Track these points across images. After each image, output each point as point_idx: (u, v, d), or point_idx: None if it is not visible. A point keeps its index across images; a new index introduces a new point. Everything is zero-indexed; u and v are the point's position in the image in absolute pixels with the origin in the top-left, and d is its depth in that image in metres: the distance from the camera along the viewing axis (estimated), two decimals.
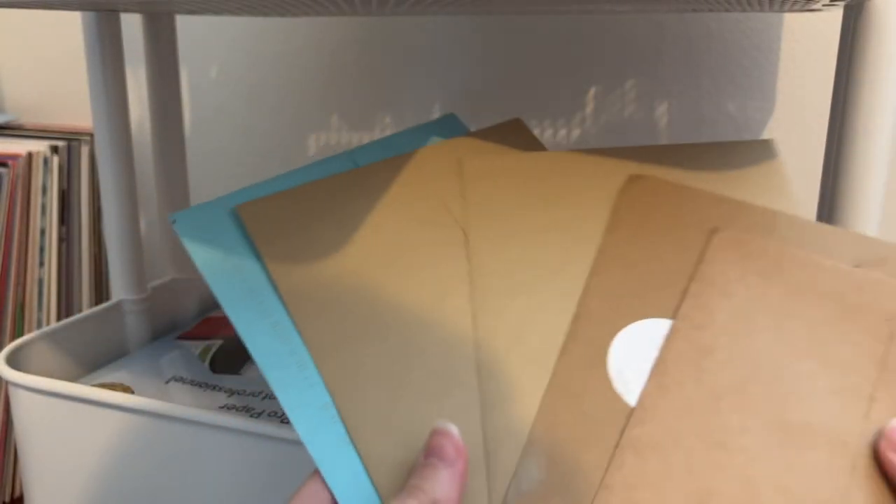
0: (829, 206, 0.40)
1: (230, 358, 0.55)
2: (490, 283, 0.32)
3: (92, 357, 0.56)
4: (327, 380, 0.30)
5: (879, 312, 0.29)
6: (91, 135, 0.75)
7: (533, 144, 0.42)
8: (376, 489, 0.28)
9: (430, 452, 0.27)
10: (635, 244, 0.33)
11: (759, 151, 0.37)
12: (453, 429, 0.28)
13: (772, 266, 0.31)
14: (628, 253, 0.32)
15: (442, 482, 0.26)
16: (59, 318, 0.72)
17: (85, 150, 0.75)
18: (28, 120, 0.87)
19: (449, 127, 0.42)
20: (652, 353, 0.30)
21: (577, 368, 0.30)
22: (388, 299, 0.32)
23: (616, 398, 0.29)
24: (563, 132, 0.71)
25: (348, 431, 0.29)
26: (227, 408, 0.48)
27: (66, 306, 0.74)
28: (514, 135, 0.42)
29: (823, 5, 0.41)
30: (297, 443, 0.38)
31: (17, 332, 0.68)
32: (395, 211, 0.35)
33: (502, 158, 0.37)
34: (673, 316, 0.30)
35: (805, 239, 0.32)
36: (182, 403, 0.42)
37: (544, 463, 0.27)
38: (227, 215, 0.35)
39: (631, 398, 0.29)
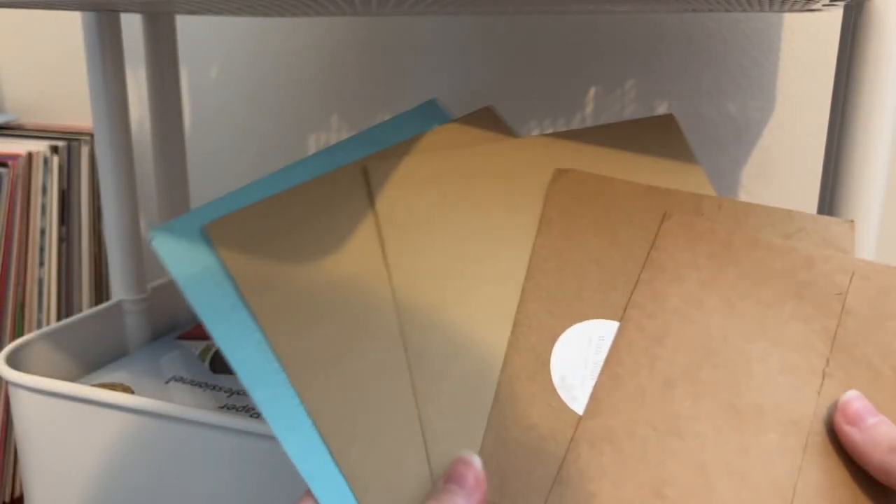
0: (829, 205, 0.40)
1: None
2: (415, 299, 0.31)
3: (92, 357, 0.56)
4: (305, 400, 0.29)
5: (829, 287, 0.29)
6: (91, 135, 0.75)
7: (504, 133, 0.40)
8: None
9: (450, 478, 0.27)
10: (567, 243, 0.32)
11: (662, 127, 0.37)
12: (477, 460, 0.28)
13: (722, 248, 0.31)
14: (560, 253, 0.32)
15: None
16: (59, 318, 0.72)
17: (85, 150, 0.75)
18: (28, 120, 0.87)
19: (430, 114, 0.41)
20: (593, 356, 0.30)
21: (521, 379, 0.29)
22: (366, 312, 0.31)
23: (561, 406, 0.29)
24: None
25: (332, 454, 0.28)
26: (227, 408, 0.48)
27: (66, 306, 0.74)
28: (486, 124, 0.40)
29: (823, 5, 0.41)
30: None
31: (17, 332, 0.68)
32: (364, 219, 0.34)
33: (410, 160, 0.36)
34: (611, 315, 0.30)
35: (733, 219, 0.32)
36: (182, 403, 0.42)
37: (497, 483, 0.27)
38: (202, 231, 0.34)
39: (576, 405, 0.29)
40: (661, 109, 0.67)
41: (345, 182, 0.35)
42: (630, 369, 0.28)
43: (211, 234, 0.33)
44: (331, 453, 0.28)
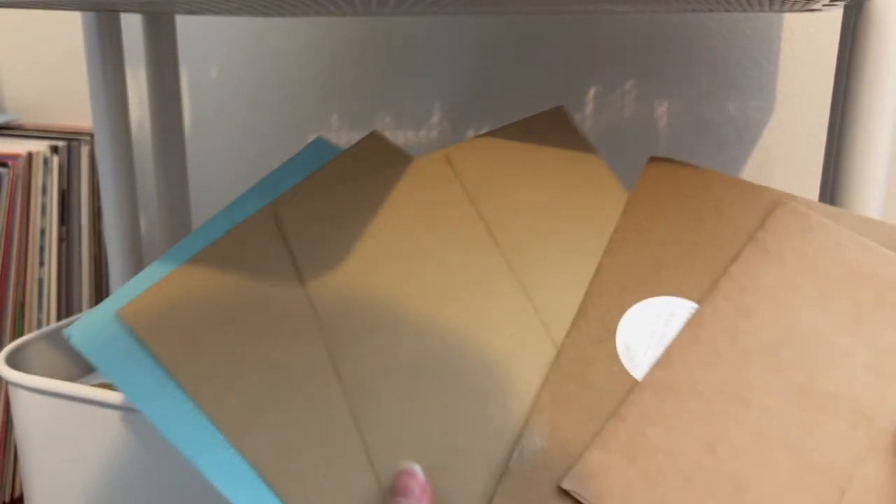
0: (830, 205, 0.40)
1: None
2: (342, 328, 0.32)
3: None
4: (246, 454, 0.30)
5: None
6: (91, 135, 0.75)
7: (393, 154, 0.40)
8: None
9: (396, 491, 0.28)
10: (650, 224, 0.33)
11: (553, 121, 0.38)
12: (417, 468, 0.28)
13: (831, 245, 0.31)
14: (643, 233, 0.33)
15: None
16: (59, 318, 0.72)
17: (85, 150, 0.75)
18: (28, 120, 0.87)
19: (318, 152, 0.41)
20: (661, 329, 0.30)
21: (585, 344, 0.30)
22: (293, 352, 0.32)
23: (622, 371, 0.29)
24: None
25: (282, 499, 0.29)
26: None
27: (66, 306, 0.74)
28: (375, 150, 0.40)
29: (823, 5, 0.41)
30: None
31: (17, 332, 0.68)
32: (280, 262, 0.35)
33: (316, 197, 0.36)
34: (686, 294, 0.31)
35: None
36: None
37: (546, 431, 0.28)
38: (117, 317, 0.35)
39: (637, 372, 0.29)
40: (661, 109, 0.67)
41: (255, 232, 0.36)
42: (710, 334, 0.29)
43: (125, 319, 0.34)
44: (281, 498, 0.29)
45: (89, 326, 0.35)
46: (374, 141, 0.40)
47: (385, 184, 0.36)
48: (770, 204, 0.33)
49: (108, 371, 0.33)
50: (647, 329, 0.31)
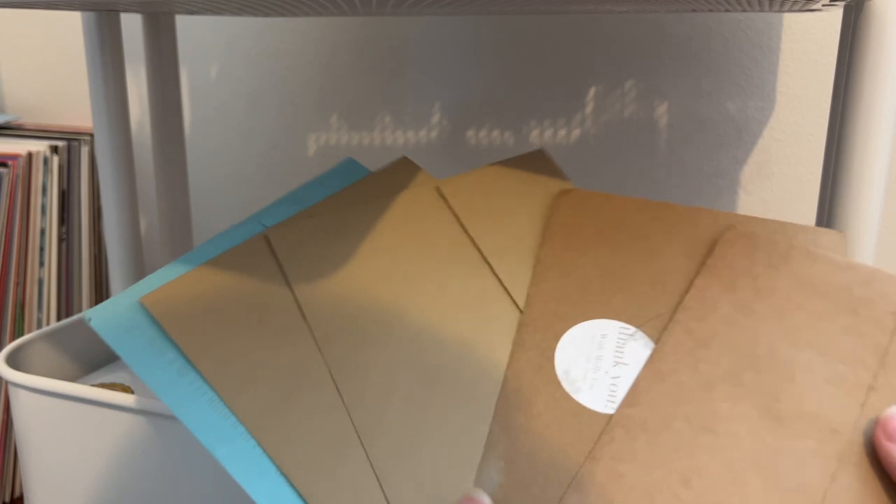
0: (830, 206, 0.40)
1: None
2: (339, 349, 0.32)
3: (92, 357, 0.56)
4: (266, 447, 0.30)
5: (885, 306, 0.30)
6: (91, 135, 0.75)
7: (420, 180, 0.42)
8: None
9: None
10: (570, 254, 0.34)
11: (536, 160, 0.40)
12: (482, 496, 0.28)
13: (780, 260, 0.31)
14: (564, 262, 0.34)
15: None
16: (59, 318, 0.72)
17: (85, 150, 0.75)
18: (28, 120, 0.87)
19: (348, 172, 0.43)
20: (596, 351, 0.31)
21: (527, 373, 0.31)
22: (299, 363, 0.32)
23: (565, 396, 0.30)
24: (563, 132, 0.71)
25: (301, 494, 0.29)
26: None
27: (66, 306, 0.74)
28: (403, 174, 0.42)
29: (823, 5, 0.41)
30: None
31: (17, 332, 0.68)
32: (277, 283, 0.36)
33: (313, 222, 0.38)
34: (614, 316, 0.32)
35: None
36: None
37: (502, 466, 0.28)
38: (139, 305, 0.36)
39: (579, 396, 0.30)
40: (662, 109, 0.67)
41: (252, 252, 0.37)
42: (672, 367, 0.30)
43: (148, 306, 0.34)
44: (299, 493, 0.29)
45: (110, 312, 0.35)
46: (403, 165, 0.41)
47: (380, 210, 0.37)
48: (692, 222, 0.34)
49: (128, 357, 0.33)
50: (583, 353, 0.32)
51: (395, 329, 0.33)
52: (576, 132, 0.70)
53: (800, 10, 0.49)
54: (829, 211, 0.40)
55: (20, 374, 0.45)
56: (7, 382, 0.46)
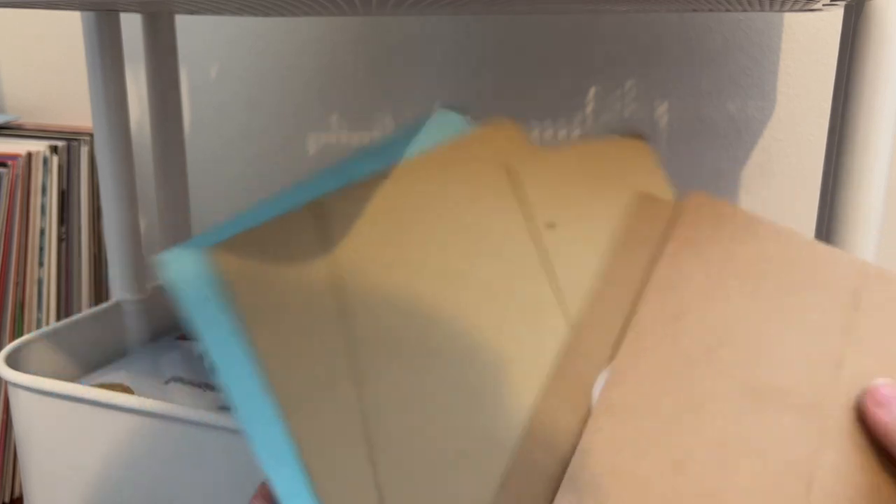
0: (830, 206, 0.40)
1: None
2: (374, 345, 0.30)
3: (91, 357, 0.56)
4: (294, 434, 0.28)
5: (845, 284, 0.30)
6: (91, 135, 0.75)
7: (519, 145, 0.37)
8: None
9: None
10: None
11: (634, 150, 0.35)
12: None
13: (743, 231, 0.31)
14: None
15: None
16: (58, 318, 0.72)
17: (85, 150, 0.74)
18: (28, 120, 0.87)
19: (442, 126, 0.39)
20: None
21: (560, 411, 0.28)
22: (346, 353, 0.30)
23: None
24: (563, 132, 0.71)
25: (315, 494, 0.27)
26: (226, 408, 0.48)
27: (66, 306, 0.74)
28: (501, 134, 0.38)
29: (824, 5, 0.41)
30: None
31: (17, 332, 0.68)
32: (320, 258, 0.32)
33: (370, 194, 0.34)
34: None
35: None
36: (181, 404, 0.42)
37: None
38: (203, 255, 0.34)
39: None
40: (662, 109, 0.67)
41: (302, 222, 0.35)
42: (651, 343, 0.28)
43: (214, 262, 0.32)
44: (311, 487, 0.28)
45: (181, 259, 0.33)
46: (501, 127, 0.37)
47: (444, 186, 0.34)
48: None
49: (192, 310, 0.31)
50: None
51: (433, 335, 0.30)
52: (576, 132, 0.70)
53: (800, 10, 0.49)
54: (829, 211, 0.40)
55: (20, 375, 0.45)
56: (7, 382, 0.46)
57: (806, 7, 0.43)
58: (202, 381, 0.52)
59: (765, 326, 0.29)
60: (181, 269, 0.32)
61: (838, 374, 0.28)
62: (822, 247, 0.31)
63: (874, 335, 0.29)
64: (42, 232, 0.70)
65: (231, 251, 0.32)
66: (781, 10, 0.54)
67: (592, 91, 0.69)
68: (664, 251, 0.30)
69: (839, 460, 0.26)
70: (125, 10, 0.55)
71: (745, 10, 0.52)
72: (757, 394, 0.27)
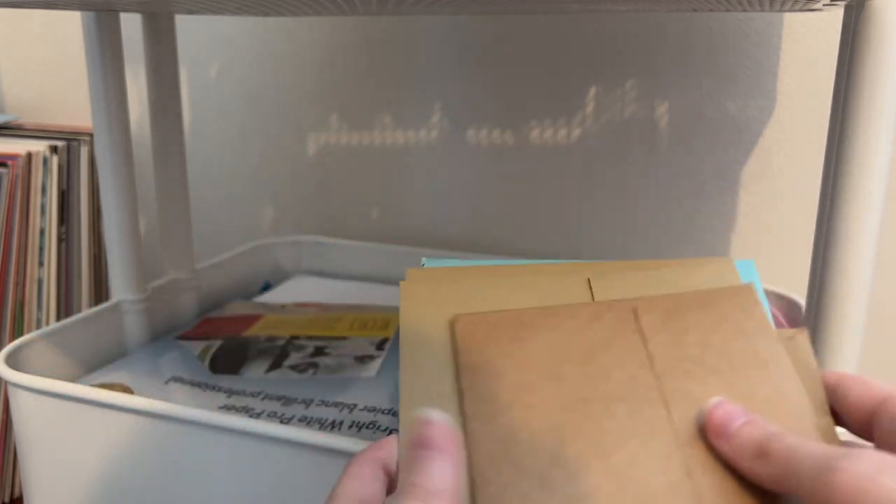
0: (831, 206, 0.40)
1: (230, 358, 0.55)
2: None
3: (91, 357, 0.56)
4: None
5: (624, 327, 0.29)
6: (91, 135, 0.75)
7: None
8: None
9: (415, 444, 0.25)
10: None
11: (742, 297, 0.32)
12: (436, 414, 0.26)
13: (517, 328, 0.30)
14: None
15: (436, 472, 0.24)
16: (58, 318, 0.72)
17: (84, 150, 0.74)
18: (28, 120, 0.87)
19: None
20: None
21: None
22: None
23: None
24: (563, 132, 0.71)
25: None
26: (226, 408, 0.48)
27: (66, 306, 0.74)
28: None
29: (824, 5, 0.41)
30: (296, 444, 0.39)
31: (17, 332, 0.68)
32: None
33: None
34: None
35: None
36: (181, 404, 0.42)
37: None
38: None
39: None
40: (662, 109, 0.67)
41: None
42: (494, 479, 0.26)
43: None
44: None
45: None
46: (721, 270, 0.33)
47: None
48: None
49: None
50: None
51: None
52: (576, 132, 0.70)
53: (800, 10, 0.49)
54: (829, 211, 0.40)
55: (20, 375, 0.45)
56: (7, 382, 0.46)
57: (806, 7, 0.43)
58: (202, 381, 0.52)
59: (588, 406, 0.27)
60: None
61: (669, 412, 0.27)
62: (585, 306, 0.30)
63: (670, 358, 0.29)
64: (42, 232, 0.70)
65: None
66: (781, 10, 0.54)
67: (592, 91, 0.69)
68: (461, 387, 0.28)
69: (708, 456, 0.26)
70: (125, 10, 0.55)
71: (745, 10, 0.52)
72: (623, 479, 0.26)
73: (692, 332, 0.30)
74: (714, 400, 0.27)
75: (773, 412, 0.28)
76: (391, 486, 0.27)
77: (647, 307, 0.31)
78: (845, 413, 0.27)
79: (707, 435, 0.26)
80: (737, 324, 0.31)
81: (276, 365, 0.54)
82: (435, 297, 0.31)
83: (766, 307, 0.32)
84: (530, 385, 0.28)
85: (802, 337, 0.30)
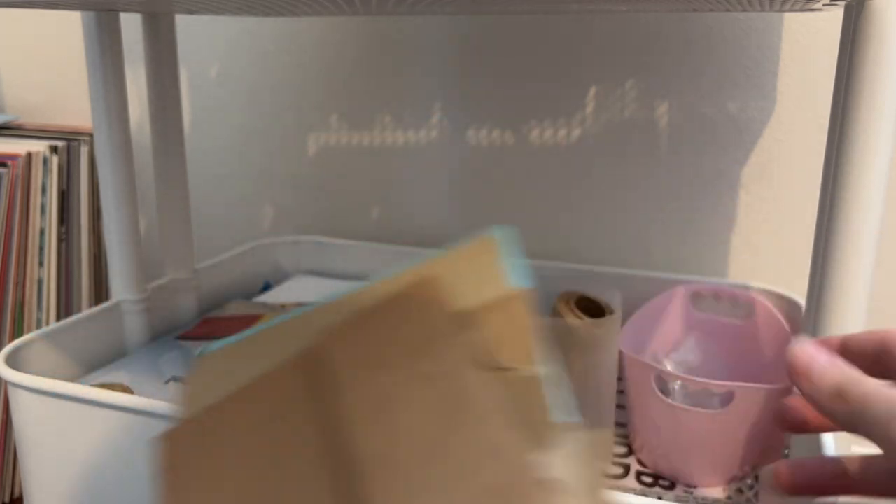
0: (831, 206, 0.40)
1: None
2: None
3: (91, 357, 0.56)
4: None
5: (289, 413, 0.26)
6: (91, 135, 0.75)
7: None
8: None
9: None
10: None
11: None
12: None
13: (202, 437, 0.28)
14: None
15: None
16: (58, 318, 0.72)
17: (84, 150, 0.75)
18: (28, 120, 0.87)
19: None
20: None
21: None
22: None
23: None
24: (563, 132, 0.71)
25: None
26: None
27: (66, 306, 0.74)
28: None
29: (824, 5, 0.41)
30: None
31: (17, 332, 0.68)
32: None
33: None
34: None
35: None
36: None
37: None
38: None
39: None
40: (662, 109, 0.67)
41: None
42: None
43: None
44: None
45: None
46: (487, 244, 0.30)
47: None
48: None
49: None
50: None
51: None
52: (576, 132, 0.70)
53: (800, 10, 0.49)
54: (829, 211, 0.40)
55: (20, 374, 0.45)
56: (7, 382, 0.46)
57: (806, 7, 0.43)
58: None
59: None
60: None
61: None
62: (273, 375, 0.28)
63: (354, 418, 0.25)
64: (42, 232, 0.70)
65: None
66: (781, 10, 0.54)
67: (592, 91, 0.69)
68: None
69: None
70: (125, 10, 0.55)
71: (745, 10, 0.52)
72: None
73: (383, 370, 0.26)
74: (800, 341, 0.27)
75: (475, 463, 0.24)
76: None
77: (332, 349, 0.27)
78: None
79: (789, 374, 0.27)
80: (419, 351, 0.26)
81: None
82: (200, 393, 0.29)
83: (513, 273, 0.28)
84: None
85: (517, 301, 0.27)
